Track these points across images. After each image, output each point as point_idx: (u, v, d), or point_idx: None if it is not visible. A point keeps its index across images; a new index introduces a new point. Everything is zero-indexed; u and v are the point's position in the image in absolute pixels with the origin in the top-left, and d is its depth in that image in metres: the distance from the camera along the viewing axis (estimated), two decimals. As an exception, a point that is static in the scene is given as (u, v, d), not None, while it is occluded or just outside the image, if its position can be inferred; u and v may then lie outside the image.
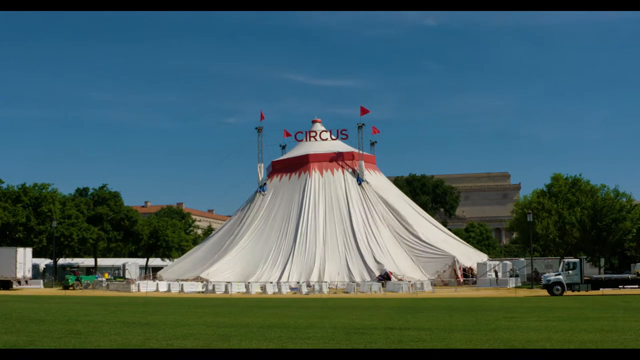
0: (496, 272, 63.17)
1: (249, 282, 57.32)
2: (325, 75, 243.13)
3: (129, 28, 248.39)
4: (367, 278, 58.27)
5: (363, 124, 75.00)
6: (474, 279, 61.74)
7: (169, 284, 58.37)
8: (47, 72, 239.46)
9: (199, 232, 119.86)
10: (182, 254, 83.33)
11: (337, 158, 74.82)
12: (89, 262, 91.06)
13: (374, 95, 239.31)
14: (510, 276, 61.50)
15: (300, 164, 74.80)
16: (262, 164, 76.69)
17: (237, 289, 54.31)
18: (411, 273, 61.83)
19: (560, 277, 46.22)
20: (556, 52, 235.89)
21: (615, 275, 52.15)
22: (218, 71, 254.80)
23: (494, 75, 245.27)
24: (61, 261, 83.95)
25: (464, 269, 63.73)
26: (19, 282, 60.93)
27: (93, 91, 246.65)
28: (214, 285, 55.36)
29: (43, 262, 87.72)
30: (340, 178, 72.81)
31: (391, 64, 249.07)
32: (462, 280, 62.20)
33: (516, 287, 57.68)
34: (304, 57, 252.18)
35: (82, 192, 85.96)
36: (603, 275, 53.22)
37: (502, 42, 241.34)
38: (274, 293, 52.89)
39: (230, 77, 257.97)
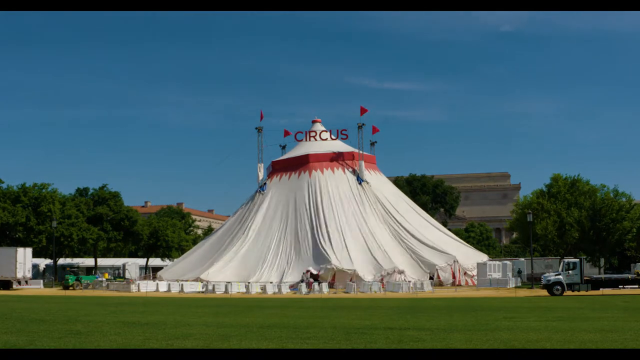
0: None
1: (248, 282, 57.33)
2: (387, 78, 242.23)
3: (131, 28, 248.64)
4: (369, 278, 58.21)
5: (363, 124, 75.03)
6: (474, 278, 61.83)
7: (169, 284, 58.37)
8: (46, 72, 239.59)
9: (199, 232, 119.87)
10: (182, 254, 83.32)
11: (337, 158, 74.81)
12: (89, 262, 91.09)
13: (426, 97, 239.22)
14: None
15: (300, 164, 74.79)
16: (262, 164, 76.75)
17: (237, 289, 54.32)
18: (411, 273, 61.81)
19: (560, 277, 46.22)
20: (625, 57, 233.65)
21: (615, 275, 52.16)
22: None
23: (551, 79, 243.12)
24: (61, 261, 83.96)
25: (465, 272, 63.72)
26: (19, 282, 60.94)
27: (93, 91, 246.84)
28: (214, 285, 55.36)
29: (43, 262, 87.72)
30: (340, 178, 72.78)
31: (449, 67, 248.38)
32: (464, 281, 62.28)
33: (516, 287, 57.70)
34: (369, 59, 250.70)
35: (82, 192, 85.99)
36: (603, 275, 53.23)
37: (570, 47, 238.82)
38: (274, 293, 52.89)
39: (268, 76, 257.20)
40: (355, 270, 59.29)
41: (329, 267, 59.92)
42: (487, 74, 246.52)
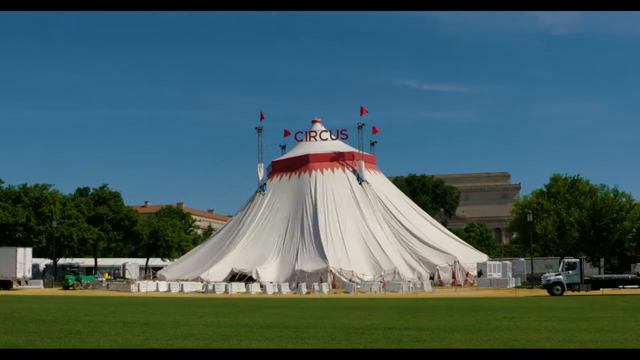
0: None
1: (248, 282, 57.31)
2: (433, 80, 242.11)
3: (131, 28, 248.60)
4: (369, 278, 58.20)
5: (363, 124, 75.03)
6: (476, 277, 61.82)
7: (169, 284, 58.37)
8: (46, 72, 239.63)
9: (199, 232, 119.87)
10: (182, 254, 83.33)
11: (337, 158, 74.80)
12: (89, 262, 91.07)
13: (465, 99, 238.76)
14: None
15: (301, 164, 74.78)
16: (262, 164, 76.74)
17: (237, 289, 54.32)
18: (411, 273, 61.82)
19: (561, 277, 46.22)
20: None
21: (615, 275, 52.14)
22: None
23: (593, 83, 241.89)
24: (61, 261, 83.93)
25: (467, 273, 63.71)
26: (19, 282, 60.94)
27: (93, 91, 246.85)
28: (214, 285, 55.37)
29: (43, 262, 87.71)
30: (341, 178, 72.78)
31: (494, 70, 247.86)
32: (465, 281, 62.27)
33: (516, 287, 57.69)
34: (416, 60, 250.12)
35: (82, 192, 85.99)
36: (603, 275, 53.22)
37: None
38: (274, 293, 52.89)
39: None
40: (353, 271, 59.29)
41: (328, 267, 59.86)
42: (529, 76, 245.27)
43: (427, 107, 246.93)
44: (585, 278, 46.59)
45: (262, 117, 77.72)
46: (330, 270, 59.21)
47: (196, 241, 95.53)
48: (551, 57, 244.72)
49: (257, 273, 61.02)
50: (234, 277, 62.48)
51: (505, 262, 64.40)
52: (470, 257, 67.73)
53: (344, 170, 73.73)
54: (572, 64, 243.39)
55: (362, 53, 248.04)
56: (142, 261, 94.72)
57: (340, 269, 59.71)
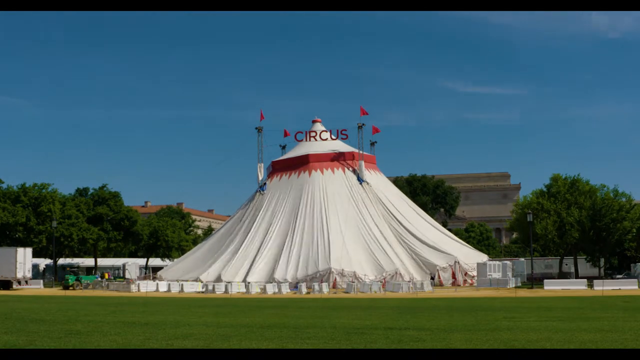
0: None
1: (248, 282, 57.33)
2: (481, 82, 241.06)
3: (131, 28, 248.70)
4: (370, 278, 58.19)
5: (363, 124, 75.01)
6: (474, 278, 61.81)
7: (169, 284, 58.38)
8: (46, 72, 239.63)
9: (199, 232, 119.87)
10: (182, 254, 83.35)
11: (337, 158, 74.80)
12: (89, 262, 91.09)
13: (510, 100, 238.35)
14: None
15: (300, 164, 74.77)
16: (262, 164, 76.75)
17: (237, 289, 54.32)
18: (412, 273, 61.78)
19: None
20: None
21: None
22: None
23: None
24: (61, 261, 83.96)
25: (466, 273, 63.69)
26: (19, 282, 60.94)
27: (93, 91, 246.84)
28: (214, 285, 55.37)
29: (43, 262, 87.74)
30: (341, 178, 72.77)
31: (543, 72, 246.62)
32: (465, 281, 62.24)
33: (516, 287, 57.68)
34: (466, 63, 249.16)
35: (82, 192, 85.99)
36: None
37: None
38: (274, 293, 52.88)
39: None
40: (355, 272, 59.27)
41: (330, 268, 59.85)
42: (573, 78, 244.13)
43: (467, 108, 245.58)
44: None
45: (262, 117, 77.81)
46: (332, 272, 59.21)
47: (196, 241, 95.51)
48: (599, 60, 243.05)
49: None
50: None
51: (505, 262, 64.37)
52: (470, 257, 67.71)
53: (344, 171, 73.72)
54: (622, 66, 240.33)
55: (389, 53, 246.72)
56: (142, 261, 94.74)
57: (342, 269, 59.70)
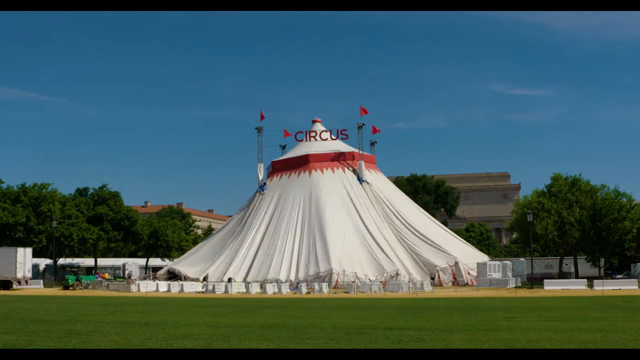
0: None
1: (248, 282, 57.33)
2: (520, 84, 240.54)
3: (131, 28, 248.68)
4: (371, 279, 58.18)
5: (363, 124, 75.03)
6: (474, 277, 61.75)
7: (169, 284, 58.39)
8: (46, 72, 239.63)
9: (199, 232, 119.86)
10: (182, 254, 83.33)
11: (337, 158, 74.81)
12: (89, 262, 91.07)
13: (546, 102, 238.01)
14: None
15: (301, 164, 74.78)
16: (262, 164, 76.75)
17: (237, 289, 54.32)
18: (412, 274, 61.76)
19: None
20: None
21: None
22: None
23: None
24: (61, 261, 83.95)
25: (468, 272, 63.64)
26: (19, 282, 60.92)
27: (93, 91, 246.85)
28: (214, 285, 55.37)
29: (43, 262, 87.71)
30: (341, 178, 72.77)
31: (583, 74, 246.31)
32: (466, 281, 62.20)
33: (516, 287, 57.67)
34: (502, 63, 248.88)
35: (82, 192, 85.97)
36: None
37: None
38: (274, 293, 52.87)
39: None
40: (356, 273, 59.26)
41: (331, 269, 59.81)
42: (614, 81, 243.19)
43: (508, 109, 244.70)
44: None
45: (262, 117, 77.79)
46: (334, 272, 59.18)
47: (196, 241, 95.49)
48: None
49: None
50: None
51: (506, 262, 64.36)
52: (471, 257, 67.67)
53: (344, 170, 73.72)
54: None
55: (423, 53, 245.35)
56: (142, 261, 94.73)
57: (343, 270, 59.66)
